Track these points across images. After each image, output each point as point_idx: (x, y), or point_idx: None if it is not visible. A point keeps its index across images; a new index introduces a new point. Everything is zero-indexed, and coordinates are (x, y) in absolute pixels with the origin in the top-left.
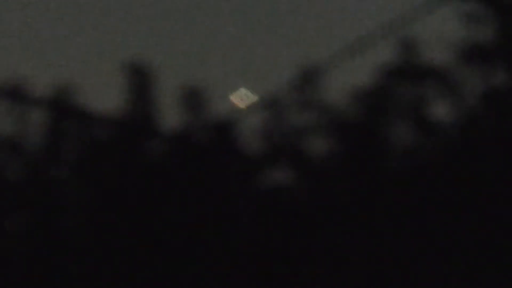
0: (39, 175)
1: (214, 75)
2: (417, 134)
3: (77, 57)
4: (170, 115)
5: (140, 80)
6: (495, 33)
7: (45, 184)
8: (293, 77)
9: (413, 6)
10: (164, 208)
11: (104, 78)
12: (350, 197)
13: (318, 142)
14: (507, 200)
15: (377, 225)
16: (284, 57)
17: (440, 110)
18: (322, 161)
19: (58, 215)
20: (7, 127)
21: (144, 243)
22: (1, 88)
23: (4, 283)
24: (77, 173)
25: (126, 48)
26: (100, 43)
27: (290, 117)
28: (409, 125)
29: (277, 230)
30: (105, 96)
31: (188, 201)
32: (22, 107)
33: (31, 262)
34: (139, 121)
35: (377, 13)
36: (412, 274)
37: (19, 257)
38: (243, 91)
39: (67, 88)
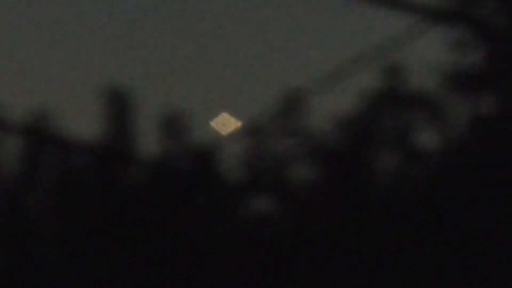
0: (15, 203)
1: (195, 100)
2: (402, 162)
3: (55, 83)
4: (149, 142)
5: (118, 105)
6: (483, 59)
7: (21, 211)
8: (277, 102)
9: (399, 31)
10: (142, 237)
11: (82, 104)
12: (333, 226)
13: (301, 170)
14: (493, 228)
15: (360, 253)
16: (267, 83)
17: (426, 137)
18: (305, 189)
19: (33, 243)
20: None
21: (119, 272)
22: None
23: None
24: (54, 200)
25: (105, 73)
26: (78, 68)
27: (272, 144)
28: (394, 152)
29: (259, 260)
30: (83, 122)
31: (167, 230)
32: None
33: None
34: (117, 148)
35: (362, 38)
36: None
37: None
38: (225, 116)
39: (44, 114)
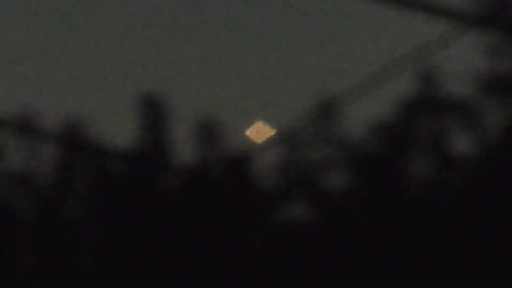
0: (50, 211)
1: (231, 108)
2: (436, 168)
3: (91, 91)
4: (184, 150)
5: (154, 114)
6: None
7: (57, 220)
8: (311, 110)
9: (433, 37)
10: (178, 244)
11: (117, 112)
12: (368, 232)
13: (336, 177)
14: None
15: (395, 260)
16: (301, 91)
17: (461, 143)
18: (340, 196)
19: (69, 251)
20: (19, 162)
21: (153, 276)
22: (13, 122)
23: None
24: (89, 208)
25: (140, 81)
26: (114, 77)
27: (307, 151)
28: (428, 158)
29: (293, 265)
30: (118, 130)
31: (203, 237)
32: (34, 142)
33: None
34: (153, 155)
35: (396, 45)
36: None
37: None
38: (259, 124)
39: (80, 122)
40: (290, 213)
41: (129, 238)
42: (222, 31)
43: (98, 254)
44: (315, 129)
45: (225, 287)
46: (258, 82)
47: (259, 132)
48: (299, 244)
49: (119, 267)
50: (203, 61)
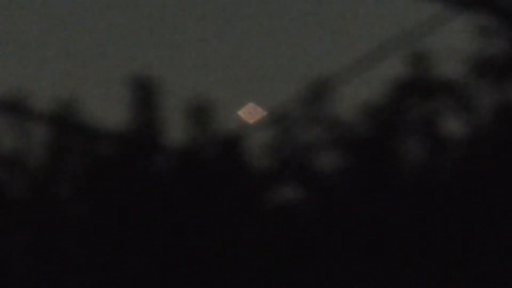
0: (41, 192)
1: (222, 90)
2: (428, 150)
3: (81, 71)
4: (175, 131)
5: (145, 94)
6: (508, 46)
7: (47, 201)
8: (302, 91)
9: (424, 19)
10: (168, 225)
11: (109, 92)
12: (359, 215)
13: (327, 158)
14: None
15: (387, 243)
16: (293, 71)
17: (452, 125)
18: (331, 177)
19: (59, 232)
20: (9, 142)
21: (143, 260)
22: (3, 102)
23: None
24: (80, 189)
25: (131, 61)
26: (105, 56)
27: (299, 132)
28: (420, 140)
29: (283, 248)
30: (109, 110)
31: (193, 218)
32: (24, 122)
33: (30, 280)
34: (144, 136)
35: (387, 26)
36: None
37: (18, 274)
38: (251, 106)
39: (70, 102)
40: (281, 192)
41: (120, 218)
42: (213, 11)
43: (88, 234)
44: (307, 110)
45: (216, 268)
46: (250, 63)
47: (251, 112)
48: (291, 224)
49: (109, 248)
50: (195, 42)
